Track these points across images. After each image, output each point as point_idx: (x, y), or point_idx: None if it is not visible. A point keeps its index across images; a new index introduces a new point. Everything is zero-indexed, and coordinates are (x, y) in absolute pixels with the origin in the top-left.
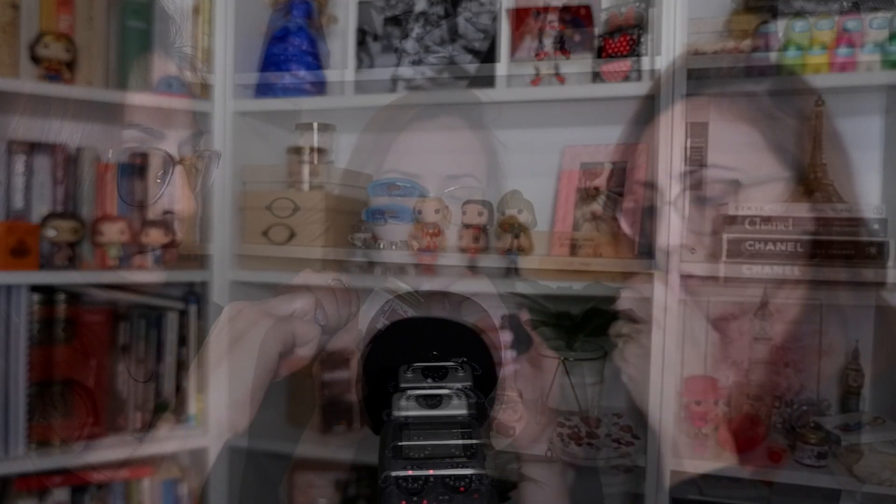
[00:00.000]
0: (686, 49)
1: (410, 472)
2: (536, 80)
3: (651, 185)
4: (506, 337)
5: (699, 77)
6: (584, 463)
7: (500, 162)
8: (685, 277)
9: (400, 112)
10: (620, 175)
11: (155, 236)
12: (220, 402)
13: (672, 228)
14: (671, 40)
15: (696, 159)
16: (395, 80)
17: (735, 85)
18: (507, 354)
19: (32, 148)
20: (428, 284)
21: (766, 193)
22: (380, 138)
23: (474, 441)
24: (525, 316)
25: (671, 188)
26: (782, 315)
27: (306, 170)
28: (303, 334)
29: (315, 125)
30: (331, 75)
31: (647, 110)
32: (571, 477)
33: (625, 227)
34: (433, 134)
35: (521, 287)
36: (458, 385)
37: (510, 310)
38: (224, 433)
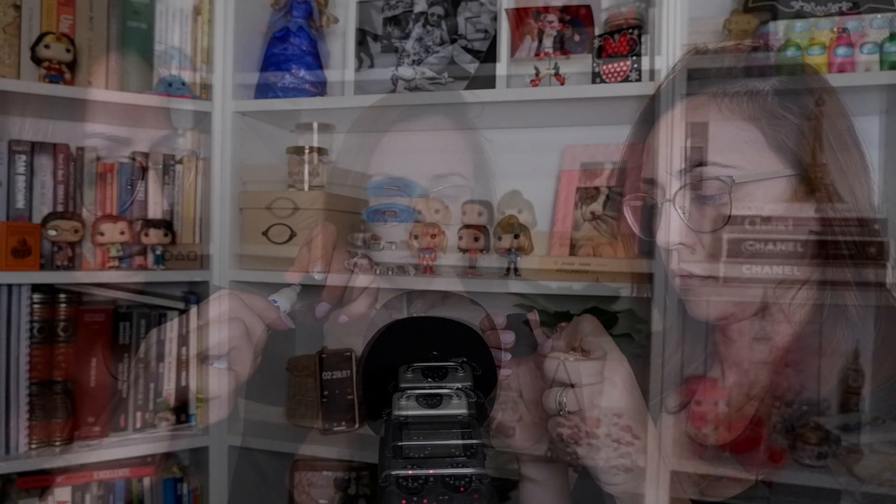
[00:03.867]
0: (687, 48)
1: (411, 472)
2: (536, 80)
3: (651, 185)
4: (507, 338)
5: (699, 77)
6: (584, 463)
7: (486, 159)
8: (685, 277)
9: (383, 113)
10: (620, 175)
11: (155, 236)
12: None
13: (672, 227)
14: (671, 40)
15: (696, 159)
16: (395, 81)
17: (738, 83)
18: (503, 356)
19: (33, 148)
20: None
21: (764, 192)
22: (364, 140)
23: (474, 441)
24: (534, 317)
25: (670, 187)
26: (782, 315)
27: (306, 170)
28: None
29: (315, 125)
30: (331, 75)
31: (647, 110)
32: (571, 477)
33: (625, 226)
34: (417, 134)
35: (521, 287)
36: (458, 385)
37: (517, 309)
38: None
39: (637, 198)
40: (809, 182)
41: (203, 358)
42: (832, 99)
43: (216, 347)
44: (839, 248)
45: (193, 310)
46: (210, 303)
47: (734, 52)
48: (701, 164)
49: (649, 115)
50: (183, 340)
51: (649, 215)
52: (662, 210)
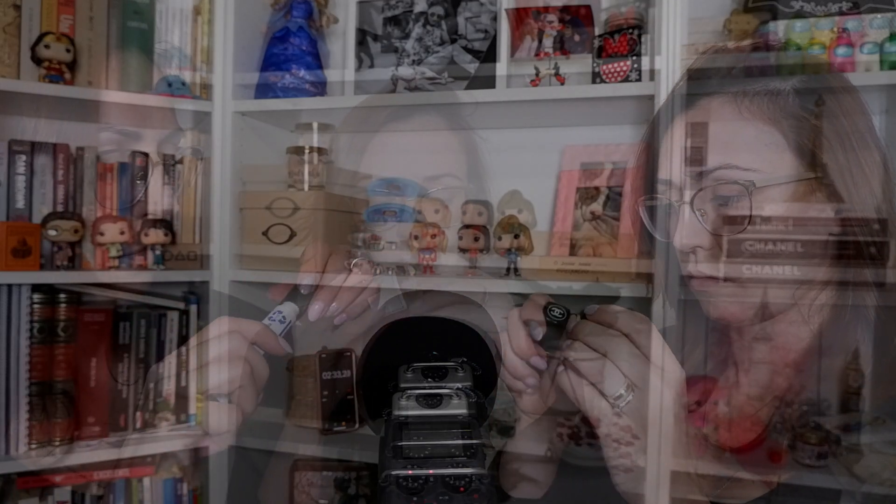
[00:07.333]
0: (706, 48)
1: (411, 472)
2: (536, 80)
3: (667, 186)
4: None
5: (718, 76)
6: (584, 463)
7: (480, 159)
8: (702, 279)
9: (374, 113)
10: (620, 175)
11: (155, 236)
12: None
13: (689, 230)
14: (671, 40)
15: (715, 161)
16: (395, 81)
17: (759, 83)
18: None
19: (34, 148)
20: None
21: (784, 194)
22: (354, 140)
23: (474, 441)
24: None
25: (688, 188)
26: (800, 317)
27: (306, 170)
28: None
29: (315, 125)
30: (331, 75)
31: (648, 110)
32: (571, 477)
33: (634, 225)
34: (409, 135)
35: (521, 287)
36: (458, 385)
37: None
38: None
39: (653, 198)
40: (829, 184)
41: (207, 394)
42: (853, 98)
43: (220, 387)
44: (859, 250)
45: (193, 340)
46: (211, 341)
47: (754, 51)
48: (720, 166)
49: (666, 113)
50: (183, 366)
51: (664, 216)
52: (680, 212)
